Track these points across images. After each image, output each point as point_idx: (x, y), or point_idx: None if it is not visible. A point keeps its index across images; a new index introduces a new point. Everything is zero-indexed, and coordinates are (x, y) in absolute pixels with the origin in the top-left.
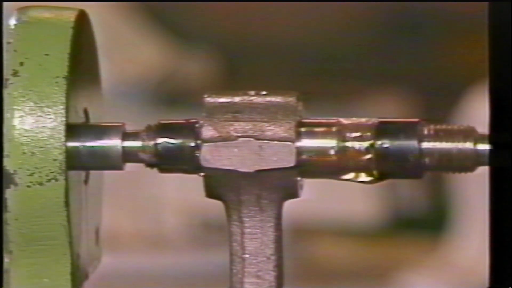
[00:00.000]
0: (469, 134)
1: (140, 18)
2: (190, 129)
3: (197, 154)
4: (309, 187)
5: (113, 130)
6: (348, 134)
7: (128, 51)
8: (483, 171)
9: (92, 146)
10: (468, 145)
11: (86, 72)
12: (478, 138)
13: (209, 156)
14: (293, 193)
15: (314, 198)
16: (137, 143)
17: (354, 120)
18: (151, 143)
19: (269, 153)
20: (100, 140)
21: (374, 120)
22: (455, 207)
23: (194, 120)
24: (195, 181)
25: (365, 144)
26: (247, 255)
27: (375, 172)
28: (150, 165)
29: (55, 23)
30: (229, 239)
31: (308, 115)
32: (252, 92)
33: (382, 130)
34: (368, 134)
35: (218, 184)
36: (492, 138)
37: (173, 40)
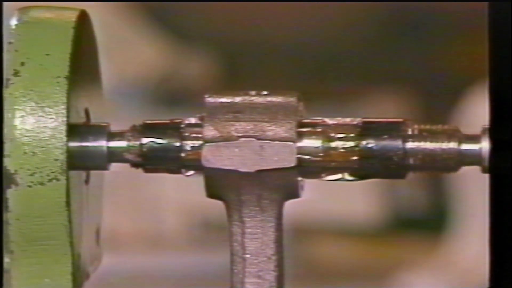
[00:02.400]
0: (453, 134)
1: (140, 18)
2: (174, 129)
3: (181, 154)
4: (309, 187)
5: (98, 130)
6: (333, 134)
7: (128, 51)
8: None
9: (81, 146)
10: (452, 145)
11: (87, 72)
12: (462, 138)
13: (210, 156)
14: (294, 193)
15: (315, 198)
16: (122, 143)
17: (338, 120)
18: (136, 143)
19: (270, 153)
20: (86, 140)
21: (359, 120)
22: (455, 207)
23: (178, 120)
24: (195, 181)
25: (349, 144)
26: (248, 255)
27: (359, 172)
28: (135, 165)
29: (56, 23)
30: (230, 239)
31: (309, 115)
32: (253, 92)
33: (367, 130)
34: (352, 134)
35: (218, 184)
36: (492, 138)
37: (173, 40)
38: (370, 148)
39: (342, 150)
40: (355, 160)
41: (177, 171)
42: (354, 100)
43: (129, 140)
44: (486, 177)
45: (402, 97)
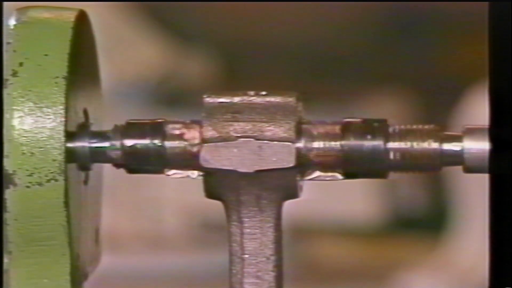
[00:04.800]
0: (434, 134)
1: (140, 18)
2: (157, 129)
3: (163, 154)
4: (309, 187)
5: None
6: (316, 134)
7: (128, 51)
8: None
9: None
10: (434, 145)
11: (85, 72)
12: (444, 138)
13: (209, 156)
14: (293, 194)
15: (314, 198)
16: (104, 143)
17: (321, 120)
18: (118, 143)
19: (268, 153)
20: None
21: (341, 120)
22: (455, 207)
23: (161, 120)
24: (195, 181)
25: (331, 144)
26: (246, 256)
27: (341, 172)
28: (117, 165)
29: (55, 23)
30: (229, 239)
31: (308, 115)
32: (252, 92)
33: (348, 129)
34: (335, 134)
35: (217, 184)
36: (492, 138)
37: (173, 40)
38: (352, 148)
39: (324, 151)
40: (337, 160)
41: (160, 171)
42: (354, 100)
43: (111, 140)
44: (486, 177)
45: (402, 97)
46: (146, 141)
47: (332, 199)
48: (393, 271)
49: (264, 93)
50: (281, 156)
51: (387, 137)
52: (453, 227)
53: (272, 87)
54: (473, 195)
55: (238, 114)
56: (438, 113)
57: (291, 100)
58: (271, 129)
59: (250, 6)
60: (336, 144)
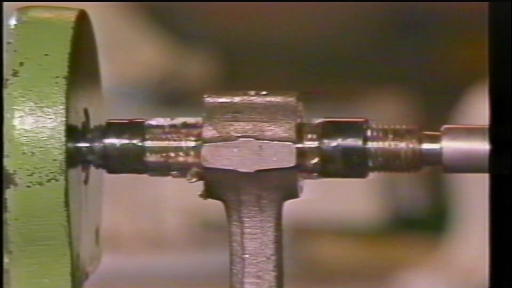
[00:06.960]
0: (413, 133)
1: (140, 18)
2: (136, 129)
3: (143, 154)
4: (309, 187)
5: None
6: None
7: (128, 51)
8: None
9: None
10: (413, 144)
11: (86, 72)
12: (423, 138)
13: (209, 156)
14: (293, 193)
15: (314, 198)
16: (84, 144)
17: (301, 120)
18: (98, 143)
19: (269, 153)
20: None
21: (320, 119)
22: (455, 207)
23: (140, 120)
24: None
25: (311, 143)
26: (247, 255)
27: (320, 171)
28: (98, 165)
29: (55, 23)
30: (229, 239)
31: (308, 115)
32: (252, 92)
33: (328, 129)
34: (314, 133)
35: (218, 184)
36: (492, 138)
37: (173, 40)
38: (331, 147)
39: (305, 149)
40: (316, 159)
41: (141, 171)
42: (354, 100)
43: (91, 140)
44: (486, 177)
45: (402, 97)
46: (125, 141)
47: (332, 199)
48: (393, 271)
49: (264, 93)
50: (282, 156)
51: (366, 137)
52: (453, 227)
53: (272, 87)
54: (473, 195)
55: (239, 114)
56: (438, 113)
57: (291, 100)
58: (271, 129)
59: (250, 6)
60: (314, 143)
